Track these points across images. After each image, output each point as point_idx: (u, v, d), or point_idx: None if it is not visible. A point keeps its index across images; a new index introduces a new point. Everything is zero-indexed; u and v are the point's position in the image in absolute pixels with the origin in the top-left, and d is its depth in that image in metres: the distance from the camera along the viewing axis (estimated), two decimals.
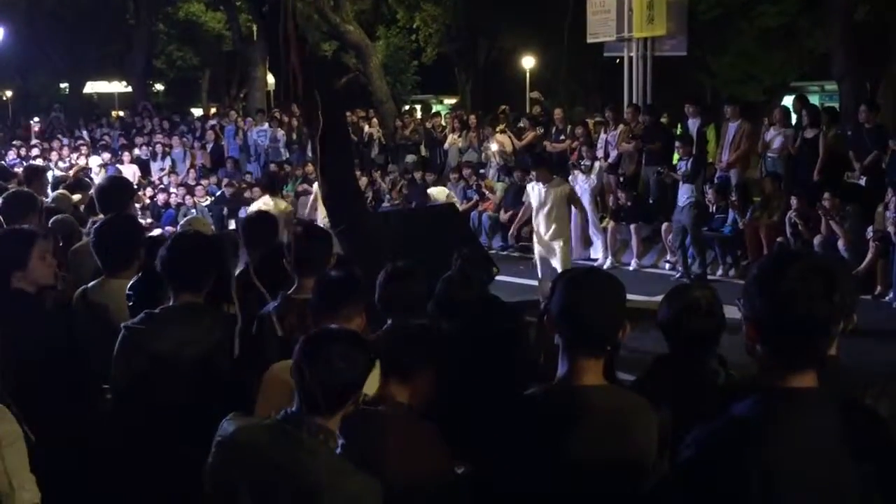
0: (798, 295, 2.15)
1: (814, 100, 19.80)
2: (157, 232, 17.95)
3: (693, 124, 15.18)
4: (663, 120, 15.91)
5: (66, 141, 24.05)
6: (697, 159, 13.80)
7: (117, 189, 6.22)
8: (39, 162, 19.30)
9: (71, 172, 17.53)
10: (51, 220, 6.64)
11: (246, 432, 2.97)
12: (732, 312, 3.54)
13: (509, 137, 18.28)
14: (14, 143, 23.95)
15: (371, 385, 3.32)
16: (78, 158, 21.83)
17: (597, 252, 15.02)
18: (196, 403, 3.03)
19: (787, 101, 21.67)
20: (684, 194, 13.47)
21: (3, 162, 16.58)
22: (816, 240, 12.41)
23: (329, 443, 2.95)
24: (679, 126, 15.43)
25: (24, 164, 19.30)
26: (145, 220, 19.10)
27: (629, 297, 2.92)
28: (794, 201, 12.88)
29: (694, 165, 13.52)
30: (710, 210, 14.01)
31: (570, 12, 23.96)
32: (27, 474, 3.13)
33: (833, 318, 2.18)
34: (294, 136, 21.91)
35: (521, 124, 18.79)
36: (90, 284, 4.77)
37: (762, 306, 2.20)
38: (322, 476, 2.82)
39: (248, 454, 2.91)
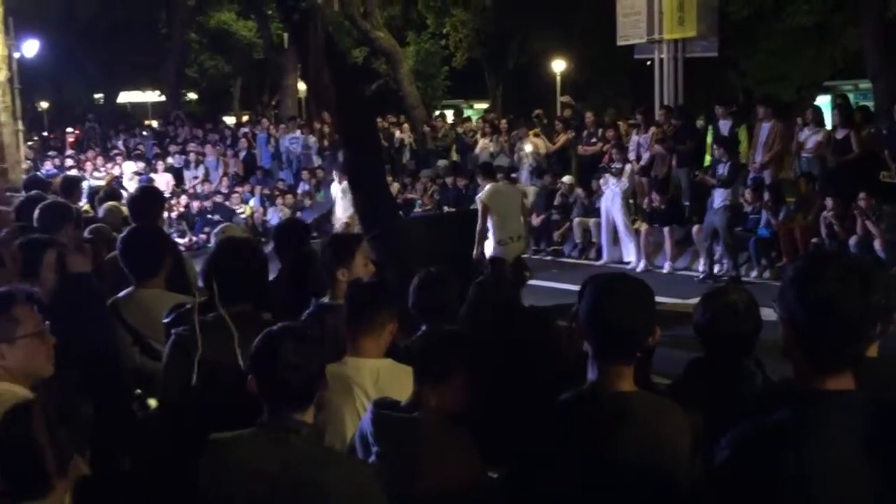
0: (835, 297, 2.14)
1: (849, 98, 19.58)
2: (183, 240, 18.16)
3: (724, 125, 15.09)
4: (699, 123, 15.82)
5: (100, 150, 24.31)
6: (735, 164, 13.77)
7: (148, 199, 6.28)
8: (74, 172, 19.53)
9: (103, 182, 17.72)
10: (87, 229, 6.70)
11: (232, 446, 2.99)
12: (768, 314, 3.53)
13: (542, 140, 18.27)
14: (49, 153, 24.24)
15: (405, 390, 3.34)
16: (112, 168, 22.06)
17: (629, 255, 14.95)
18: (245, 409, 3.07)
19: (821, 100, 21.55)
20: (720, 197, 13.41)
21: (39, 172, 16.78)
22: (852, 240, 12.28)
23: (312, 436, 3.01)
24: (710, 128, 15.34)
25: (60, 174, 19.56)
26: (179, 229, 19.30)
27: (663, 299, 2.91)
28: (828, 201, 12.76)
29: (731, 170, 13.49)
30: (745, 210, 13.93)
31: (600, 14, 23.88)
32: None
33: (870, 319, 2.16)
34: (326, 143, 22.01)
35: (556, 128, 18.77)
36: (120, 294, 4.82)
37: (798, 308, 2.19)
38: (316, 470, 2.85)
39: (239, 467, 2.93)
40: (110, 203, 8.16)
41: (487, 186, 11.09)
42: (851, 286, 2.14)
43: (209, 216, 19.64)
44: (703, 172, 14.52)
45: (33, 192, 8.05)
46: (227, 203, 20.50)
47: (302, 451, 2.92)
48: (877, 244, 12.02)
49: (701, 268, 13.96)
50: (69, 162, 22.81)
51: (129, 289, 4.82)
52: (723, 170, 13.60)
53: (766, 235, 13.48)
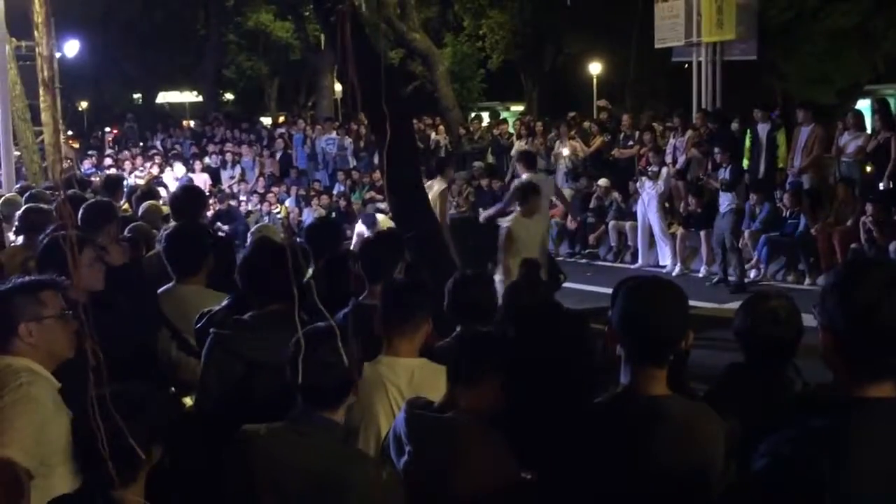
0: (878, 306, 2.11)
1: (889, 102, 19.37)
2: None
3: (762, 129, 14.97)
4: (734, 125, 15.72)
5: (138, 150, 24.55)
6: (738, 167, 13.74)
7: (190, 198, 6.35)
8: (113, 171, 19.73)
9: (142, 181, 17.88)
10: (127, 228, 6.77)
11: (258, 439, 3.03)
12: (808, 321, 3.49)
13: (579, 143, 18.22)
14: (89, 152, 24.52)
15: (439, 390, 3.34)
16: (151, 167, 22.26)
17: (665, 259, 14.87)
18: (285, 409, 3.12)
19: (861, 104, 21.30)
20: (725, 201, 13.37)
21: (79, 171, 16.99)
22: (892, 246, 12.14)
23: (340, 436, 3.06)
24: (748, 131, 15.24)
25: (100, 173, 19.77)
26: (220, 228, 19.42)
27: (698, 304, 2.89)
28: (868, 207, 12.62)
29: (734, 173, 13.49)
30: (784, 215, 13.83)
31: (638, 17, 23.78)
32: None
33: None
34: (362, 144, 22.08)
35: (591, 130, 18.71)
36: (160, 290, 4.87)
37: (839, 316, 2.16)
38: (340, 469, 2.88)
39: (264, 460, 2.97)
40: (149, 202, 8.25)
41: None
42: (893, 294, 2.12)
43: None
44: (709, 177, 14.53)
45: (72, 192, 8.14)
46: (241, 206, 20.59)
47: (327, 449, 2.97)
48: None
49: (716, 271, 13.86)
50: (108, 161, 23.05)
51: (170, 284, 4.89)
52: (725, 173, 13.54)
53: (796, 238, 13.39)
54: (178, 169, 21.82)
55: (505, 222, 9.68)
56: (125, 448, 2.75)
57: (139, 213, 7.98)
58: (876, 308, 2.11)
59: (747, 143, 15.11)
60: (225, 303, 4.33)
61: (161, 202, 8.88)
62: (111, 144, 26.93)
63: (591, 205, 16.79)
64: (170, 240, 5.02)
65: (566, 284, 10.70)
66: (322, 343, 3.03)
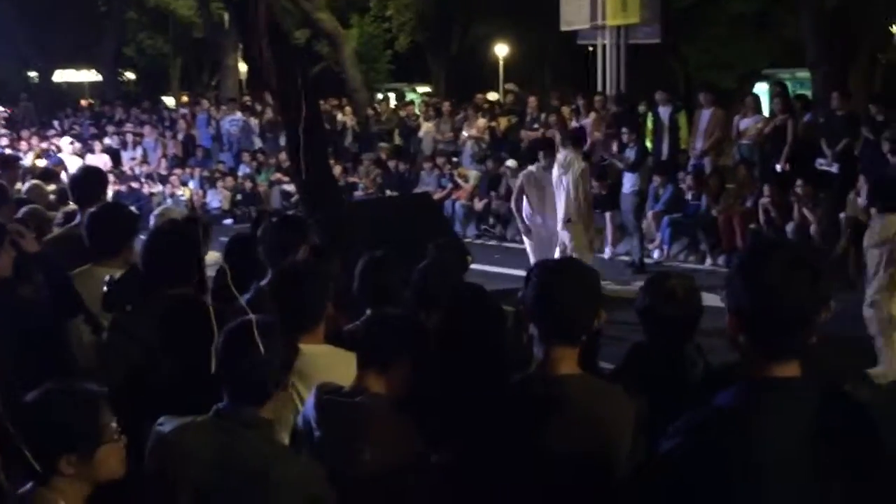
0: (782, 286, 2.16)
1: (787, 85, 19.90)
2: None
3: (664, 112, 15.22)
4: (641, 108, 15.95)
5: (35, 130, 23.81)
6: (642, 148, 13.98)
7: (92, 179, 6.17)
8: (9, 152, 19.11)
9: (29, 159, 17.34)
10: (21, 211, 6.56)
11: (181, 432, 2.96)
12: (709, 301, 3.56)
13: (485, 124, 18.29)
14: None
15: (344, 376, 3.32)
16: (48, 148, 21.64)
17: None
18: (186, 392, 3.05)
19: (759, 88, 21.81)
20: (628, 181, 13.57)
21: None
22: (789, 226, 12.50)
23: (266, 432, 2.98)
24: (650, 114, 15.48)
25: None
26: None
27: (604, 284, 2.93)
28: (766, 188, 12.96)
29: (639, 154, 13.69)
30: (686, 197, 14.11)
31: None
32: None
33: (816, 308, 2.19)
34: (267, 125, 21.76)
35: (496, 112, 18.81)
36: (75, 272, 4.74)
37: (745, 297, 2.21)
38: (266, 466, 2.83)
39: (186, 455, 2.91)
40: (33, 182, 8.02)
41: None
42: (799, 277, 2.17)
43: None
44: (612, 156, 14.74)
45: None
46: (144, 188, 20.21)
47: (254, 445, 2.89)
48: (813, 230, 12.24)
49: (655, 253, 14.08)
50: (3, 141, 22.32)
51: (85, 266, 4.76)
52: (630, 153, 13.75)
53: (692, 219, 13.73)
54: (68, 138, 21.36)
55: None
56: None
57: (23, 193, 7.75)
58: (781, 289, 2.16)
59: (649, 125, 15.36)
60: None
61: (54, 187, 8.63)
62: (5, 124, 26.02)
63: (499, 186, 16.87)
64: (93, 219, 4.89)
65: (473, 266, 10.72)
66: (247, 336, 2.97)
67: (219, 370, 2.98)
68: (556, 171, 10.71)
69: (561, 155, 10.86)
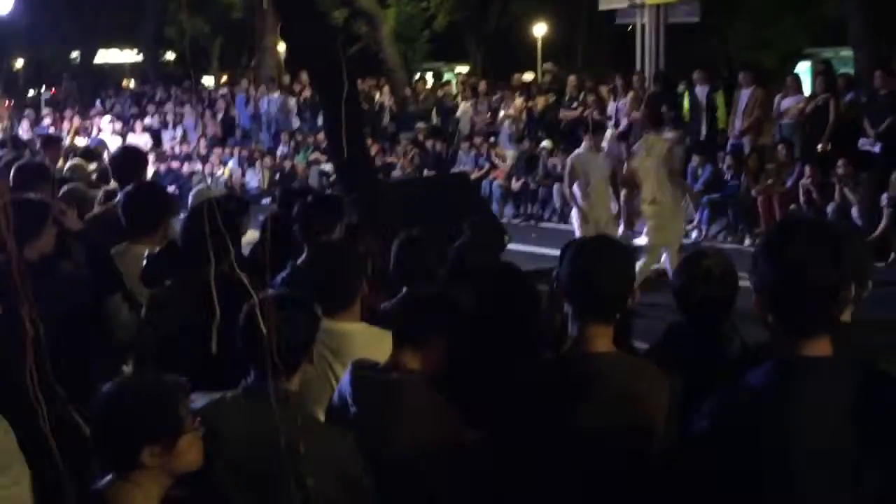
0: (804, 261, 2.15)
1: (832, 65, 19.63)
2: None
3: (701, 91, 15.09)
4: (680, 88, 15.81)
5: (77, 110, 24.06)
6: (681, 128, 13.97)
7: (132, 158, 6.24)
8: (51, 131, 19.35)
9: (69, 136, 17.49)
10: (62, 190, 6.64)
11: (212, 408, 2.99)
12: (747, 282, 3.54)
13: (522, 104, 18.22)
14: (26, 113, 23.96)
15: (380, 354, 3.34)
16: (91, 128, 21.88)
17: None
18: (223, 368, 3.08)
19: (801, 67, 21.55)
20: None
21: (16, 131, 16.62)
22: (830, 207, 12.36)
23: (294, 405, 3.01)
24: (687, 93, 15.34)
25: (37, 133, 19.38)
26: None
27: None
28: (807, 168, 12.82)
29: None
30: (725, 178, 13.99)
31: None
32: None
33: (840, 283, 2.17)
34: (304, 105, 21.82)
35: (532, 92, 18.72)
36: (113, 250, 4.80)
37: (769, 273, 2.20)
38: (296, 439, 2.83)
39: (218, 431, 2.92)
40: (75, 161, 8.11)
41: None
42: (821, 251, 2.16)
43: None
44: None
45: (9, 152, 7.97)
46: (182, 169, 20.34)
47: (284, 419, 2.90)
48: (854, 211, 12.10)
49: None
50: (46, 122, 22.57)
51: (122, 245, 4.82)
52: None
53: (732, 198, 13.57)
54: (109, 116, 21.57)
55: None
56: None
57: (65, 172, 7.85)
58: (803, 264, 2.15)
59: (686, 105, 15.23)
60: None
61: (96, 166, 8.72)
62: (49, 104, 26.32)
63: (536, 166, 16.82)
64: (128, 198, 4.95)
65: (510, 246, 10.72)
66: (276, 310, 2.99)
67: (244, 346, 3.01)
68: (641, 153, 10.66)
69: (642, 138, 10.91)
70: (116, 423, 2.62)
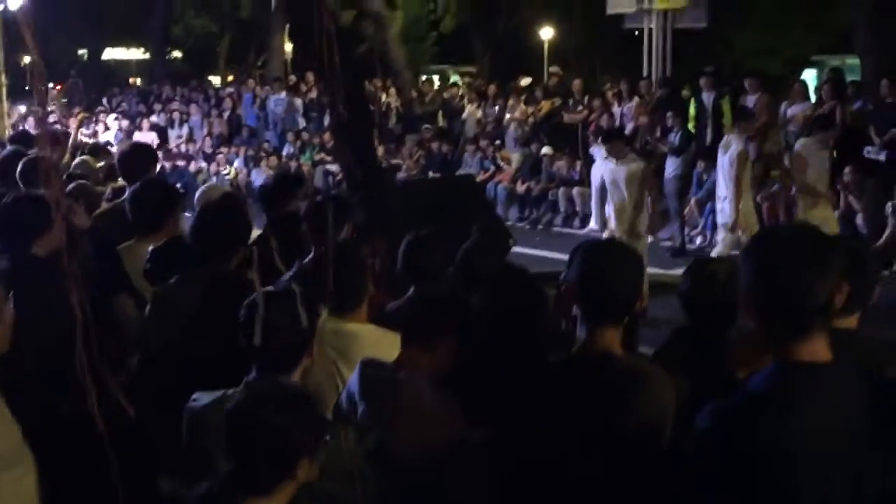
0: (777, 264, 2.19)
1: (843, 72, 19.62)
2: None
3: (707, 97, 15.09)
4: (685, 93, 15.81)
5: (83, 107, 24.08)
6: (685, 133, 13.96)
7: (140, 156, 6.26)
8: (58, 128, 19.34)
9: (72, 127, 17.49)
10: (70, 186, 6.66)
11: (215, 407, 3.00)
12: None
13: (528, 108, 18.23)
14: (34, 109, 23.98)
15: (391, 354, 3.36)
16: (97, 125, 21.90)
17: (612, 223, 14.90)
18: (225, 365, 3.10)
19: (807, 74, 21.54)
20: (671, 166, 13.47)
21: (23, 127, 16.64)
22: (836, 213, 12.34)
23: None
24: (693, 99, 15.35)
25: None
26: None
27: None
28: None
29: (683, 138, 13.63)
30: None
31: None
32: None
33: (820, 284, 2.18)
34: (310, 105, 21.83)
35: (536, 95, 18.74)
36: (120, 247, 4.82)
37: (747, 280, 2.24)
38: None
39: (221, 429, 2.86)
40: (82, 157, 8.12)
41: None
42: (796, 252, 2.18)
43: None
44: (657, 141, 14.65)
45: (14, 148, 7.98)
46: (188, 167, 20.36)
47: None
48: (859, 219, 12.09)
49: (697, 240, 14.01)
50: (53, 118, 22.58)
51: (130, 241, 4.85)
52: (674, 138, 13.63)
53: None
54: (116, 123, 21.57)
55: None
56: None
57: (73, 168, 7.86)
58: (776, 264, 2.19)
59: (692, 110, 15.23)
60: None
61: (104, 163, 8.72)
62: (55, 101, 26.34)
63: (540, 170, 16.81)
64: (134, 195, 4.96)
65: (515, 249, 10.71)
66: (273, 305, 3.02)
67: (244, 343, 3.03)
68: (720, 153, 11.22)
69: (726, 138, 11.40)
70: (271, 439, 2.51)
